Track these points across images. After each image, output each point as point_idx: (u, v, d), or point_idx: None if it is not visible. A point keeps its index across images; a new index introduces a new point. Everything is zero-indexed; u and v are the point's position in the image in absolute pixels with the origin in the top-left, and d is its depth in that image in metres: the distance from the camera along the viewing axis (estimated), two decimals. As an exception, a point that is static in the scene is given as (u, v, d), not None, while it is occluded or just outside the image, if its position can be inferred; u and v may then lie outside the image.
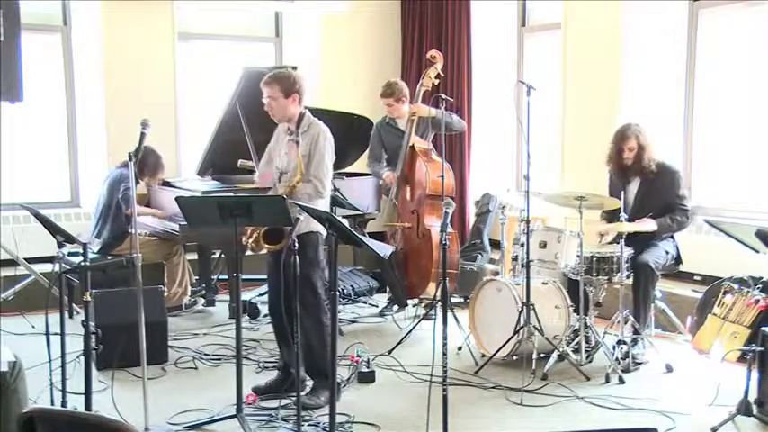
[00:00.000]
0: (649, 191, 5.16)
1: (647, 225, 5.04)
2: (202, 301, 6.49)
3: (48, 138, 7.31)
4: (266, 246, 4.20)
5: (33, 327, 5.57)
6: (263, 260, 4.49)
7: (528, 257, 4.90)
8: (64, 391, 3.83)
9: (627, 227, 4.81)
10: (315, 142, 4.28)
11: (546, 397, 4.44)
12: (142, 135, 3.98)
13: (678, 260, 5.24)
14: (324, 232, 4.15)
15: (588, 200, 4.82)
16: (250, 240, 4.23)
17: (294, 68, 6.14)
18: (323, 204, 4.29)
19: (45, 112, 7.24)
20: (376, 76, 7.20)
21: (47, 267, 5.80)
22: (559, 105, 6.91)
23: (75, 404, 3.89)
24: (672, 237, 5.21)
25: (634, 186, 5.21)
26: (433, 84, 5.82)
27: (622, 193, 4.94)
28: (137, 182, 4.13)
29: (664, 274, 5.27)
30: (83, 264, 3.71)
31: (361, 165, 6.81)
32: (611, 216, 5.22)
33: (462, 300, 6.36)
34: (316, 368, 4.36)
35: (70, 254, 5.31)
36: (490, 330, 5.08)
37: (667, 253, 5.14)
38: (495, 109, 7.88)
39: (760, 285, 5.19)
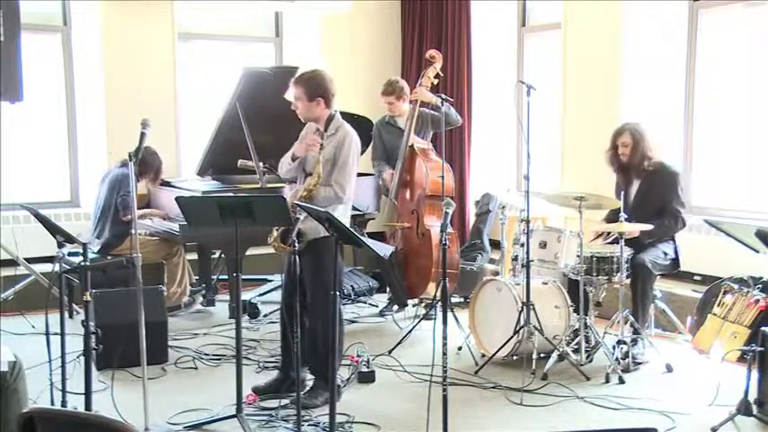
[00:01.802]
0: (647, 191, 5.16)
1: (636, 229, 5.00)
2: (200, 299, 6.49)
3: (48, 138, 7.30)
4: (283, 247, 4.20)
5: (33, 327, 5.57)
6: (264, 260, 4.50)
7: (528, 257, 4.90)
8: (64, 391, 3.83)
9: (626, 227, 4.81)
10: (340, 146, 4.25)
11: (546, 397, 4.44)
12: (142, 135, 3.99)
13: (676, 263, 5.22)
14: None
15: (588, 200, 4.82)
16: (270, 240, 4.24)
17: (296, 69, 6.17)
18: (342, 210, 4.26)
19: (45, 112, 7.23)
20: (376, 76, 7.20)
21: (47, 267, 5.79)
22: (559, 105, 6.91)
23: (75, 404, 3.89)
24: (672, 239, 5.20)
25: (635, 186, 5.21)
26: (432, 83, 5.82)
27: (622, 193, 4.94)
28: (136, 181, 4.14)
29: (663, 274, 5.27)
30: (83, 264, 3.71)
31: (361, 165, 6.81)
32: (615, 216, 5.22)
33: (462, 300, 6.36)
34: (318, 369, 4.36)
35: (70, 254, 5.30)
36: (490, 330, 5.08)
37: (665, 254, 5.13)
38: (496, 109, 7.88)
39: (760, 285, 5.19)
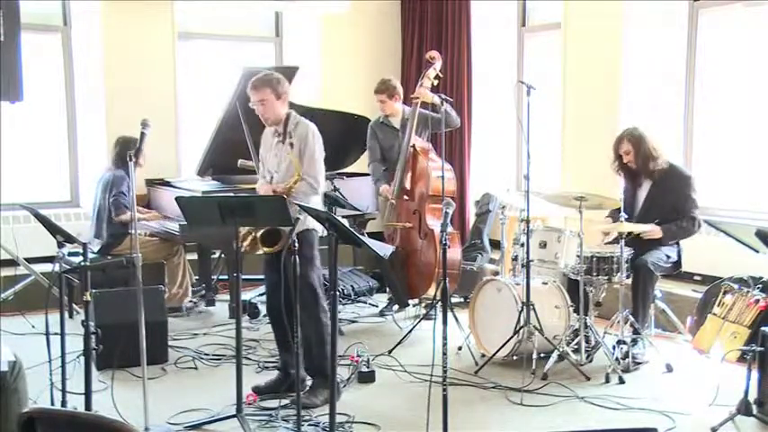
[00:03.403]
0: (658, 194, 5.14)
1: (652, 231, 5.01)
2: (203, 304, 6.46)
3: (47, 137, 7.31)
4: (264, 248, 4.19)
5: (33, 327, 5.57)
6: (263, 260, 4.49)
7: (528, 257, 4.90)
8: (64, 390, 3.83)
9: (627, 227, 4.81)
10: (304, 140, 4.30)
11: (546, 397, 4.44)
12: (142, 135, 3.99)
13: (677, 265, 5.21)
14: (320, 229, 4.17)
15: (588, 200, 4.81)
16: (245, 243, 4.21)
17: (296, 69, 6.18)
18: (316, 200, 4.33)
19: (45, 112, 7.24)
20: (376, 76, 7.17)
21: (47, 267, 5.79)
22: (559, 105, 6.91)
23: (75, 404, 3.89)
24: (677, 242, 5.19)
25: (645, 189, 5.20)
26: (432, 84, 5.81)
27: (623, 193, 4.93)
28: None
29: (664, 274, 5.26)
30: (83, 264, 3.71)
31: (361, 165, 6.81)
32: (618, 215, 5.20)
33: (462, 300, 6.36)
34: (314, 367, 4.36)
35: (70, 254, 5.30)
36: (490, 330, 5.08)
37: (668, 257, 5.11)
38: (496, 109, 7.88)
39: (760, 285, 5.18)
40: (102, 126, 7.14)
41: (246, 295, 6.26)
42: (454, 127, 6.11)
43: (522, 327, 4.80)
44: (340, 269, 6.54)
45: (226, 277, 6.61)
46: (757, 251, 3.91)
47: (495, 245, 6.59)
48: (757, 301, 5.11)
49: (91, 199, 6.32)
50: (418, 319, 5.62)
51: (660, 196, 5.14)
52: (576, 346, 4.89)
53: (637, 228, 4.94)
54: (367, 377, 4.72)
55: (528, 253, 4.91)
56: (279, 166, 4.36)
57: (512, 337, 4.82)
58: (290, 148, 4.25)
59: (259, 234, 4.16)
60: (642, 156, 5.09)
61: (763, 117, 5.94)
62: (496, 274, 6.09)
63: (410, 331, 5.48)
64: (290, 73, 5.54)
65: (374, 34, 8.31)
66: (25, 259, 6.09)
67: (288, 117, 4.37)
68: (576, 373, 4.74)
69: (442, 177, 5.52)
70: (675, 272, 5.27)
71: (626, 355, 4.81)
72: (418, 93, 5.78)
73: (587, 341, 4.88)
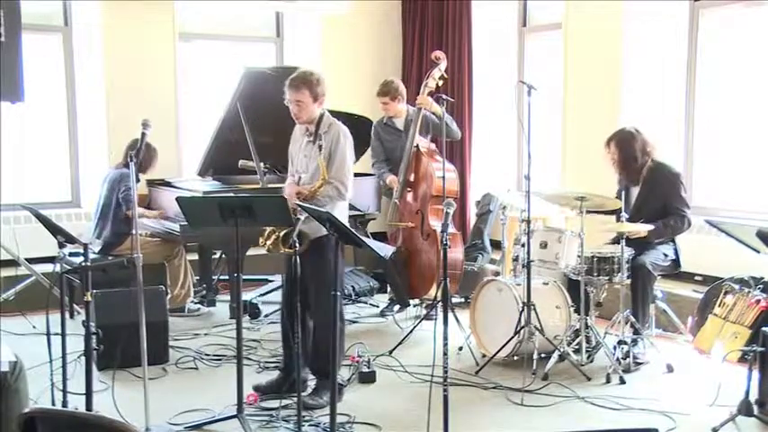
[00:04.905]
0: (649, 193, 5.14)
1: (638, 229, 5.00)
2: (205, 310, 6.45)
3: (48, 138, 7.31)
4: (285, 249, 4.18)
5: (34, 327, 5.57)
6: (264, 260, 4.49)
7: (528, 258, 4.90)
8: (65, 391, 3.83)
9: (626, 227, 4.81)
10: (336, 143, 4.24)
11: (547, 397, 4.44)
12: (143, 135, 3.99)
13: (677, 264, 5.21)
14: None
15: (588, 200, 4.81)
16: (268, 242, 4.20)
17: (296, 69, 6.15)
18: (343, 206, 4.27)
19: (46, 113, 7.24)
20: (376, 77, 7.19)
21: (48, 268, 5.79)
22: (560, 105, 6.91)
23: (76, 404, 3.89)
24: (672, 240, 5.18)
25: (635, 190, 5.19)
26: (437, 84, 5.80)
27: (623, 193, 4.93)
28: (137, 180, 4.14)
29: (664, 274, 5.26)
30: (84, 264, 3.71)
31: (361, 165, 6.80)
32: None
33: (463, 300, 6.36)
34: (323, 369, 4.35)
35: (71, 254, 5.30)
36: (491, 330, 5.08)
37: (666, 256, 5.11)
38: (496, 109, 7.89)
39: (761, 286, 5.18)
40: (102, 126, 7.15)
41: (247, 295, 6.26)
42: (454, 139, 6.11)
43: (522, 327, 4.80)
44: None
45: (226, 277, 6.61)
46: (758, 251, 3.91)
47: (496, 245, 6.59)
48: (758, 301, 5.11)
49: (92, 198, 6.32)
50: (419, 320, 5.61)
51: (650, 195, 5.12)
52: (576, 347, 4.89)
53: (632, 228, 4.92)
54: (368, 377, 4.72)
55: (528, 253, 4.91)
56: (308, 166, 4.31)
57: (512, 337, 4.82)
58: (318, 150, 4.18)
59: (282, 234, 4.15)
60: (621, 162, 5.08)
61: (763, 117, 5.94)
62: (497, 274, 6.09)
63: (411, 331, 5.47)
64: (290, 73, 5.52)
65: (375, 35, 8.31)
66: (26, 259, 6.09)
67: (321, 117, 4.31)
68: (577, 373, 4.74)
69: (443, 177, 5.52)
70: (675, 270, 5.26)
71: (627, 356, 4.81)
72: (420, 100, 5.75)
73: (588, 341, 4.88)
